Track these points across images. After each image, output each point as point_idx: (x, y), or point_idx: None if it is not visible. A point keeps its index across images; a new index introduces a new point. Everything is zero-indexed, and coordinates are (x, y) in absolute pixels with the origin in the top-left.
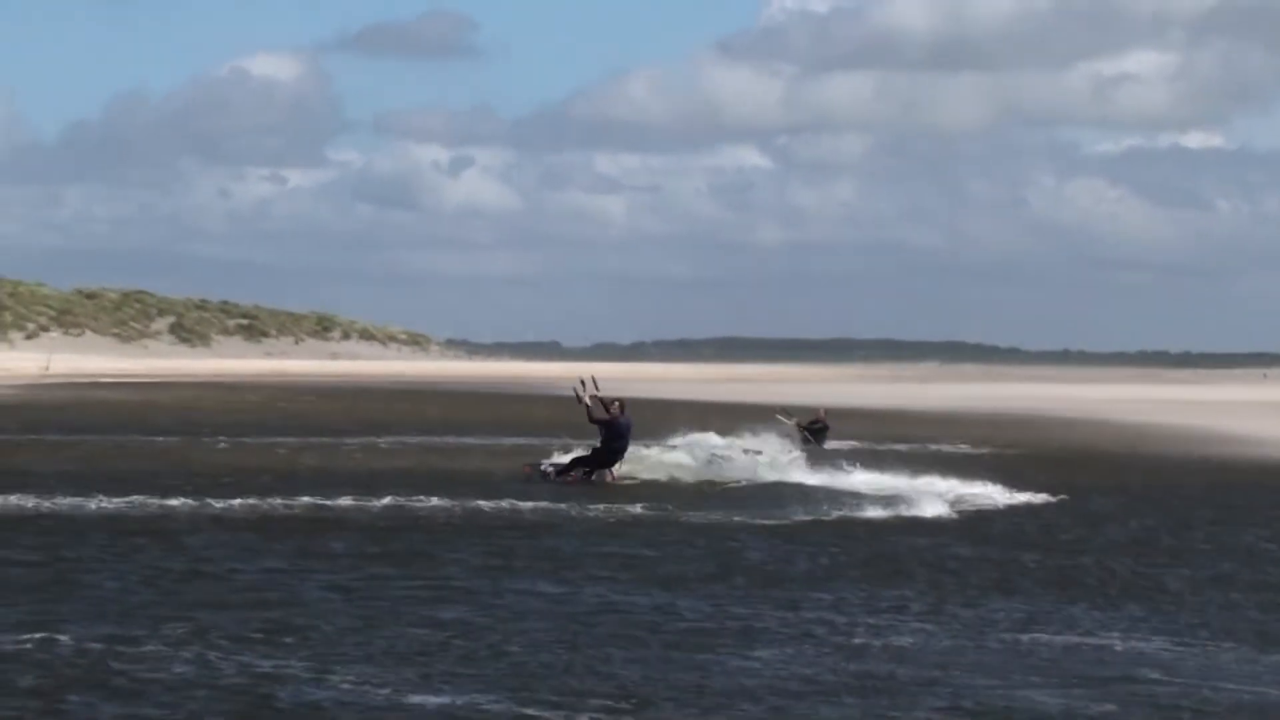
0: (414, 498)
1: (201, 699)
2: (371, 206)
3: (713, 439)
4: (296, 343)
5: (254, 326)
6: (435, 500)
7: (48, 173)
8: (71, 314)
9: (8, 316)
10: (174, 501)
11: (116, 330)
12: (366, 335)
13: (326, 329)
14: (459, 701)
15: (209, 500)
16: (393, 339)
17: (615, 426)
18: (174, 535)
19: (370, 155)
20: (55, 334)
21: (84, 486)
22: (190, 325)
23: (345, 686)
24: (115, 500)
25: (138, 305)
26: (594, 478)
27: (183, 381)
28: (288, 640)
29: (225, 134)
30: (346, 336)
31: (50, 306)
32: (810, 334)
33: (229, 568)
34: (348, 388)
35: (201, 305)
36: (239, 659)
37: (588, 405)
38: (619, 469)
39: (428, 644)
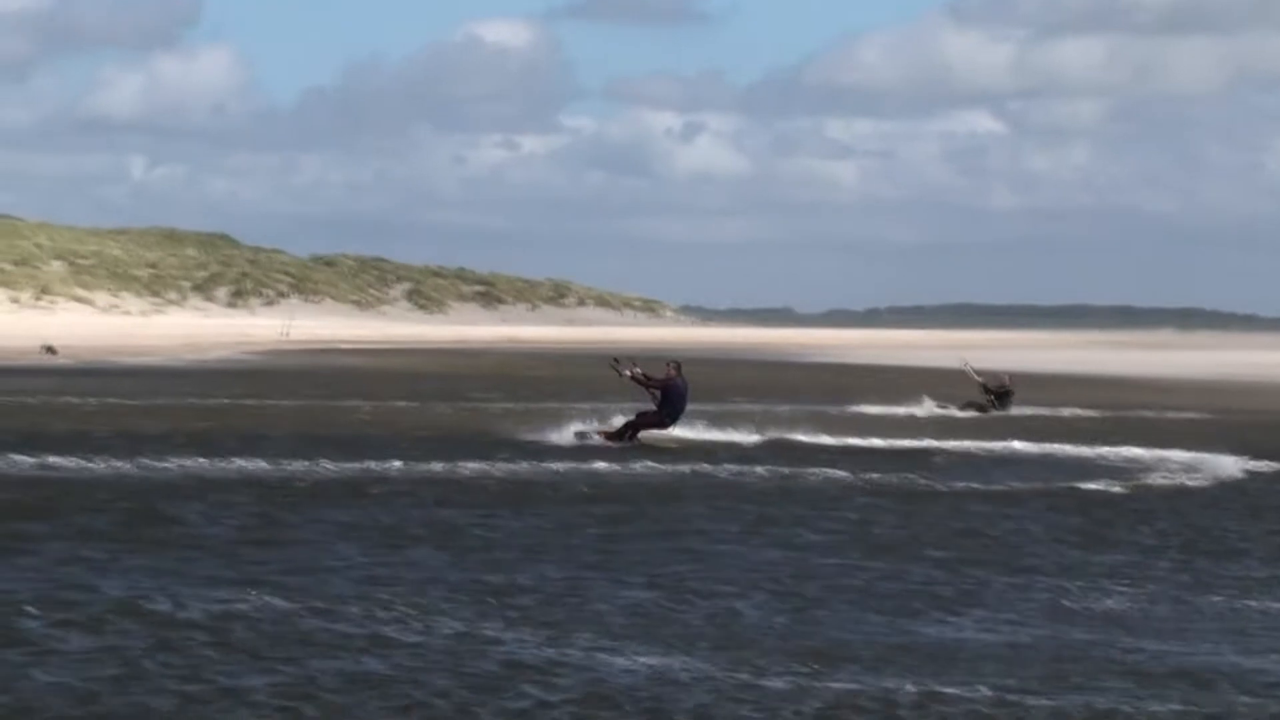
0: (632, 464)
1: (431, 659)
2: (604, 173)
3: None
4: (532, 309)
5: (490, 293)
6: (652, 464)
7: (285, 140)
8: (310, 281)
9: (248, 283)
10: (395, 464)
11: (355, 297)
12: (601, 302)
13: (562, 295)
14: (676, 664)
15: (435, 464)
16: (627, 305)
17: (674, 388)
18: (401, 499)
19: (602, 122)
20: (294, 300)
21: (311, 450)
22: (427, 292)
23: (571, 651)
24: (343, 464)
25: (375, 272)
26: (633, 439)
27: (419, 348)
28: (505, 601)
29: (459, 100)
30: (581, 303)
31: (289, 273)
32: (1044, 300)
33: (451, 527)
34: (581, 354)
35: (438, 272)
36: (461, 619)
37: (639, 379)
38: (673, 431)
39: (646, 606)
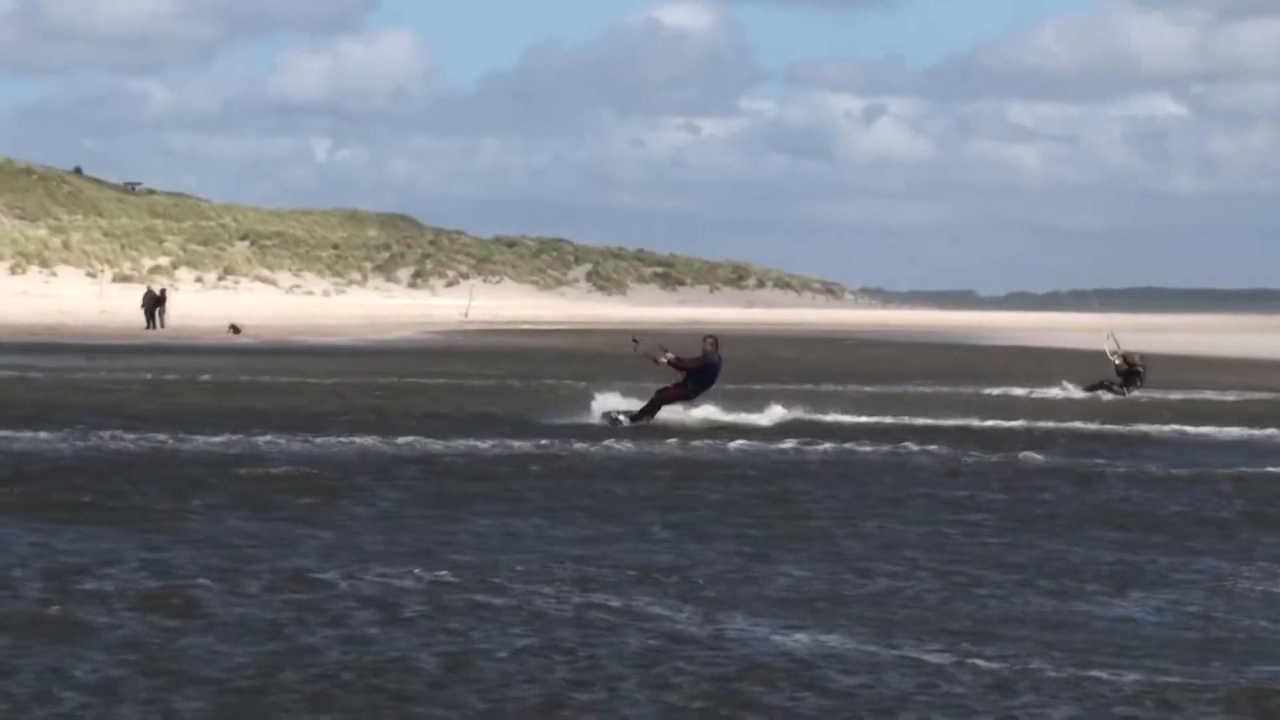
0: (809, 443)
1: (592, 633)
2: (784, 156)
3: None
4: (712, 291)
5: (669, 275)
6: (818, 444)
7: (466, 123)
8: (491, 262)
9: (429, 264)
10: (579, 446)
11: (535, 278)
12: (781, 283)
13: (741, 277)
14: (836, 640)
15: (614, 442)
16: (807, 287)
17: (712, 364)
18: (571, 477)
19: (782, 105)
20: (475, 281)
21: (488, 428)
22: (606, 273)
23: (729, 627)
24: (521, 441)
25: (555, 253)
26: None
27: (599, 329)
28: (669, 578)
29: (639, 84)
30: (761, 285)
31: (470, 254)
32: (1228, 284)
33: (616, 504)
34: (761, 336)
35: (618, 253)
36: (623, 594)
37: (669, 361)
38: (699, 411)
39: (807, 582)
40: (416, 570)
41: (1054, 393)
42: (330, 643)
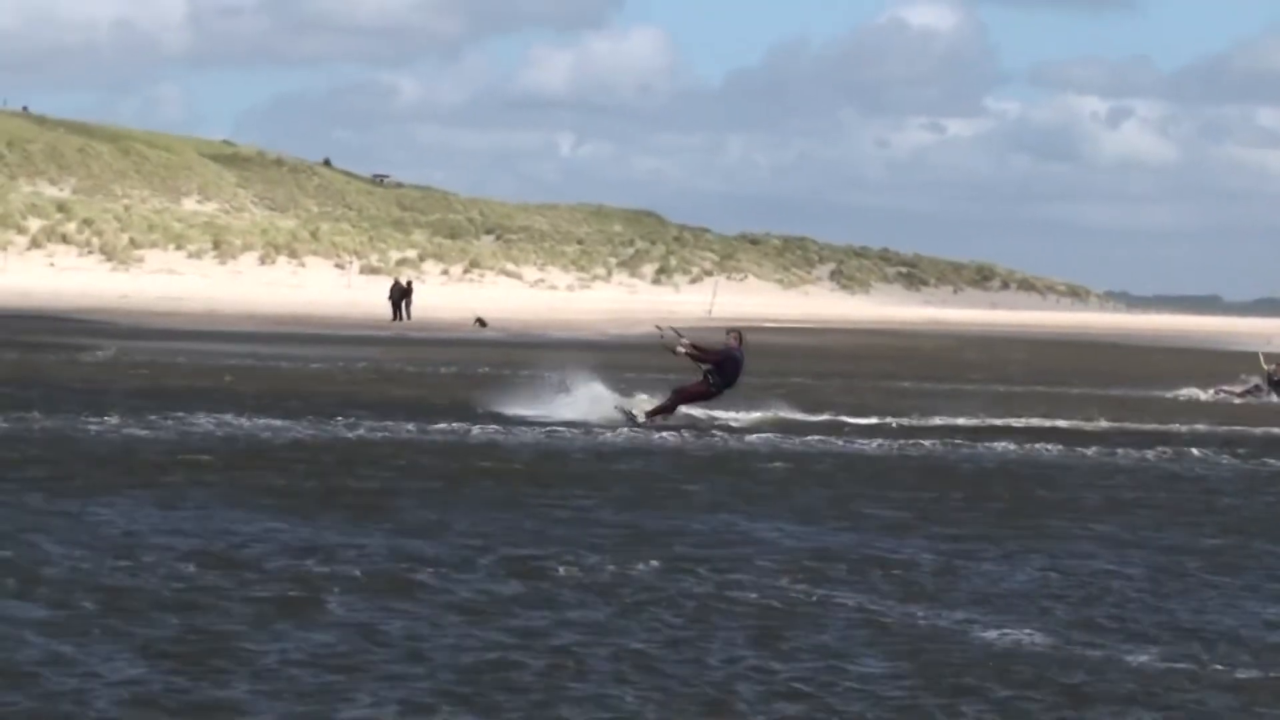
0: (1035, 445)
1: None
2: (1028, 157)
3: None
4: (955, 292)
5: (913, 275)
6: (1014, 445)
7: (711, 120)
8: (734, 259)
9: (673, 261)
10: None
11: (778, 276)
12: (1025, 285)
13: (985, 278)
14: (1054, 639)
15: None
16: (1051, 289)
17: (733, 359)
18: (805, 476)
19: (1027, 106)
20: (719, 278)
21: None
22: (850, 272)
23: (943, 622)
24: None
25: (799, 251)
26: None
27: (842, 328)
28: (893, 573)
29: (883, 83)
30: (1005, 286)
31: (714, 251)
32: None
33: (848, 500)
34: (1006, 338)
35: (861, 253)
36: (856, 589)
37: (691, 352)
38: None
39: (1024, 581)
40: (651, 560)
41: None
42: (556, 627)
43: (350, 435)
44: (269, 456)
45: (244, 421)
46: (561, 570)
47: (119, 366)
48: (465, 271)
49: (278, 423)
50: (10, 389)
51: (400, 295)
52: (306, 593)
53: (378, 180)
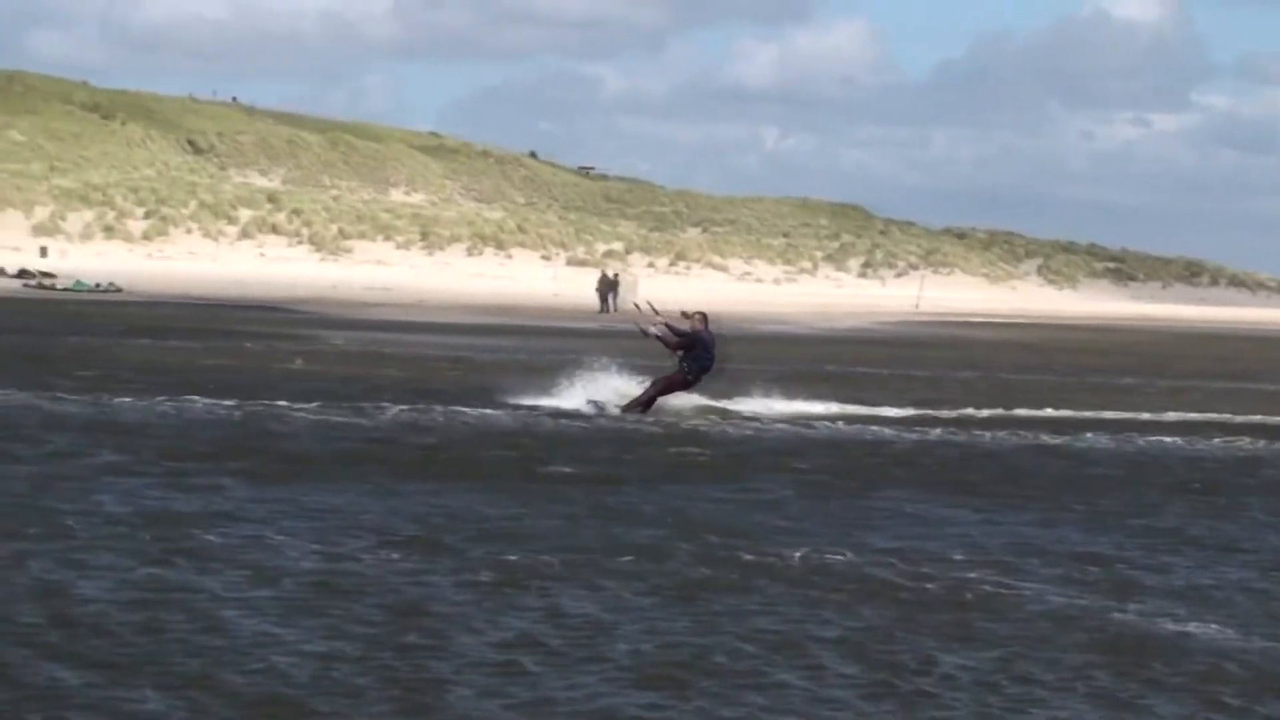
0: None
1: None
2: (1236, 152)
3: None
4: (1164, 287)
5: (1121, 270)
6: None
7: (916, 113)
8: (940, 253)
9: (879, 254)
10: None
11: (985, 270)
12: (1236, 281)
13: (1195, 274)
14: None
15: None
16: (1261, 286)
17: (701, 342)
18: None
19: (1235, 100)
20: (925, 272)
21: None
22: (1057, 267)
23: (1164, 622)
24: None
25: (1005, 246)
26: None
27: (1050, 323)
28: (1101, 571)
29: (1088, 76)
30: (1214, 282)
31: (919, 245)
32: None
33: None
34: (1216, 334)
35: (1068, 247)
36: (1061, 587)
37: (656, 335)
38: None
39: (1239, 582)
40: (847, 553)
41: None
42: (755, 614)
43: (551, 425)
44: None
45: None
46: (756, 558)
47: (364, 357)
48: (671, 264)
49: (487, 411)
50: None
51: (608, 287)
52: (505, 576)
53: (584, 172)
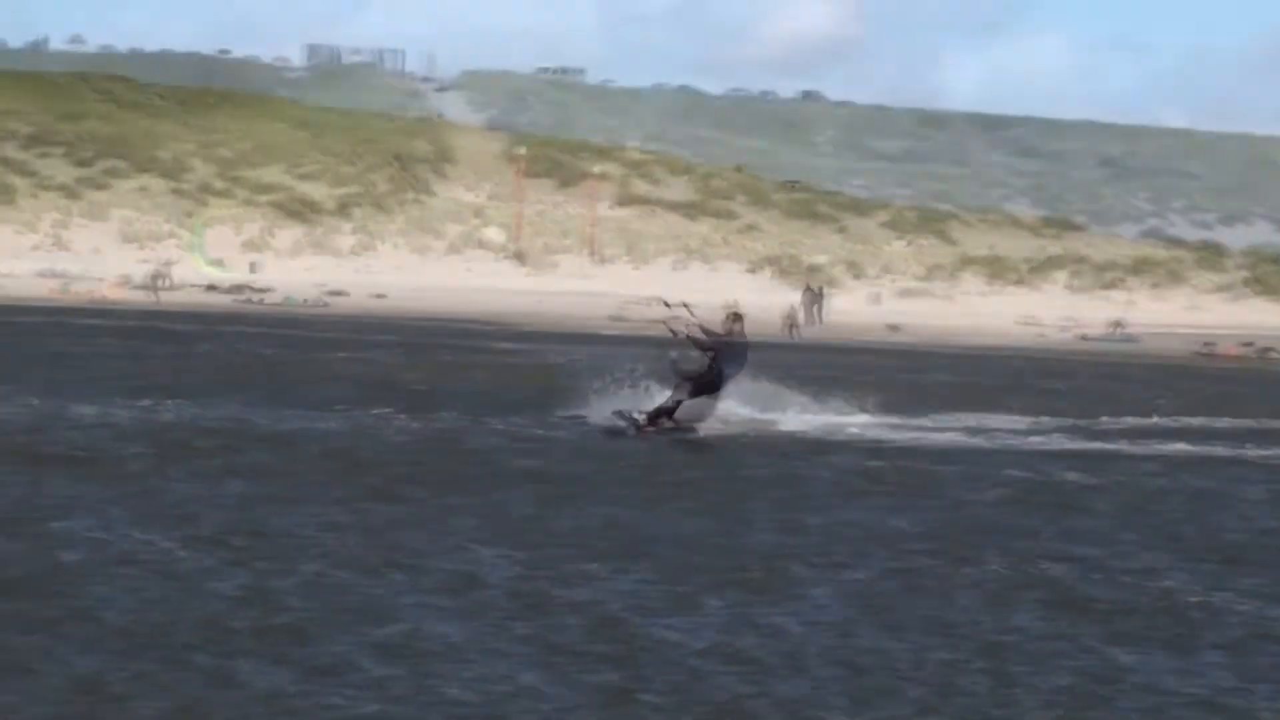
0: None
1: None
2: None
3: None
4: None
5: None
6: None
7: None
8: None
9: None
10: None
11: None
12: None
13: None
14: None
15: None
16: None
17: (732, 347)
18: None
19: None
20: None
21: None
22: None
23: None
24: None
25: None
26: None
27: None
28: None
29: None
30: None
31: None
32: None
33: None
34: None
35: None
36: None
37: (695, 338)
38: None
39: None
40: (1044, 564)
41: None
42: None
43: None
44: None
45: None
46: (936, 565)
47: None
48: (876, 278)
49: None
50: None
51: (812, 301)
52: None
53: (789, 186)
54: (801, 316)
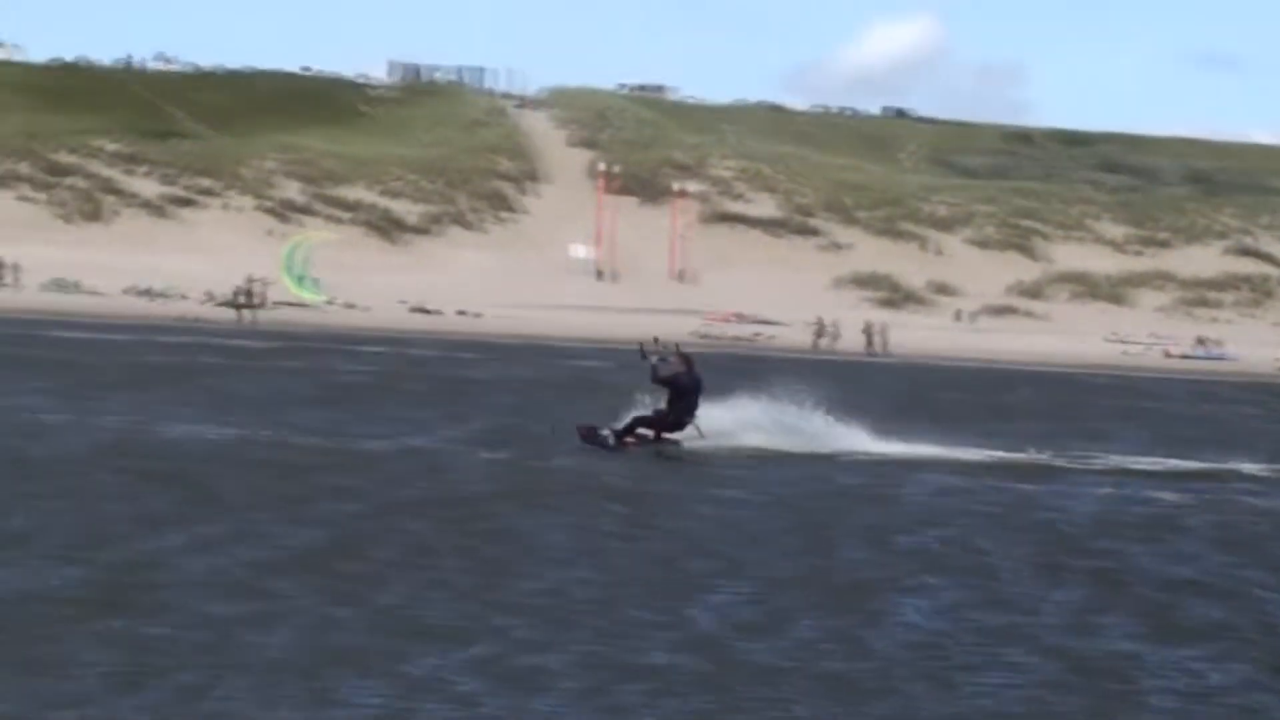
0: None
1: None
2: None
3: None
4: None
5: None
6: None
7: None
8: None
9: None
10: None
11: None
12: None
13: None
14: None
15: None
16: None
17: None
18: None
19: None
20: None
21: None
22: None
23: None
24: None
25: None
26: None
27: None
28: None
29: None
30: None
31: None
32: None
33: None
34: None
35: None
36: None
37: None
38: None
39: None
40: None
41: None
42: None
43: None
44: None
45: None
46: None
47: None
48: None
49: None
50: None
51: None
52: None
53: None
54: (876, 340)
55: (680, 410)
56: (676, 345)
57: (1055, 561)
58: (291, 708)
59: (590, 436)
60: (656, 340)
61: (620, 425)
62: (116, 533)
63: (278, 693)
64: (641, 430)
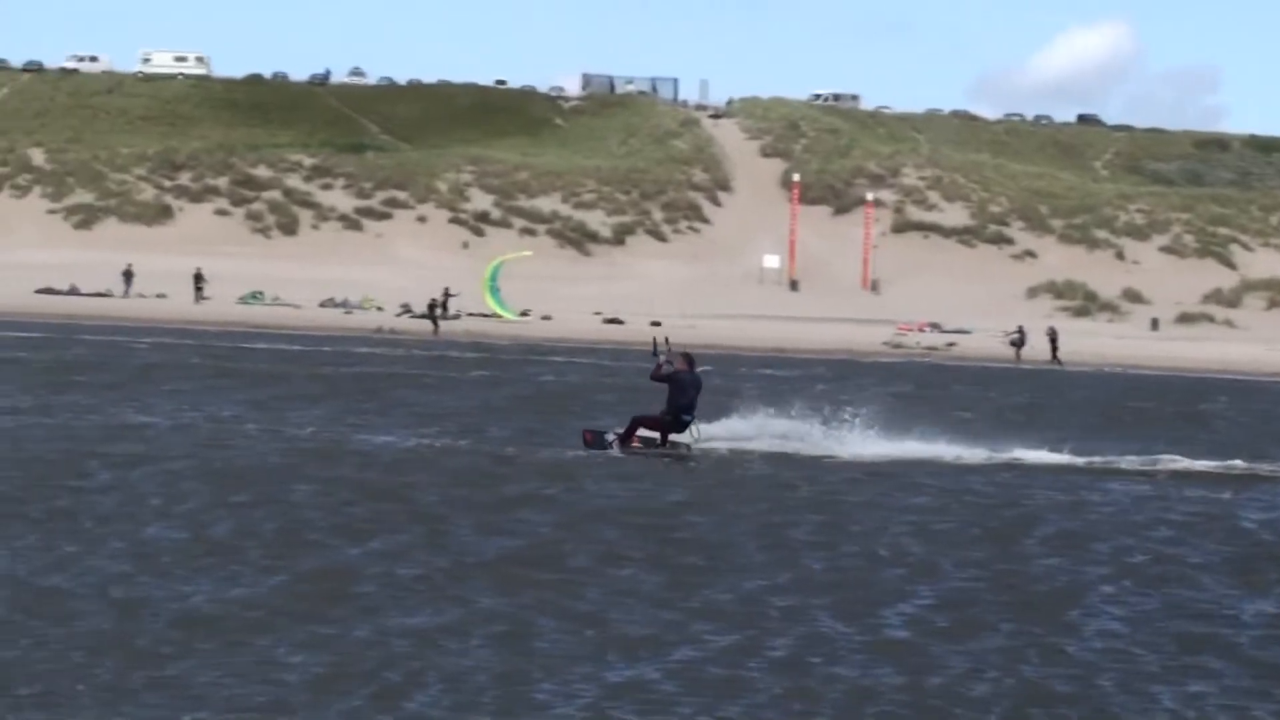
0: None
1: None
2: None
3: None
4: None
5: None
6: None
7: None
8: None
9: None
10: None
11: None
12: None
13: None
14: None
15: None
16: None
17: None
18: None
19: None
20: None
21: None
22: None
23: None
24: None
25: None
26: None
27: None
28: None
29: None
30: None
31: None
32: None
33: None
34: None
35: None
36: None
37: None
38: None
39: None
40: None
41: None
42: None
43: None
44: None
45: None
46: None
47: None
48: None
49: None
50: None
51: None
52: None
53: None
54: (1050, 350)
55: (678, 408)
56: (683, 352)
57: (1256, 570)
58: (487, 714)
59: (594, 442)
60: (668, 340)
61: (623, 429)
62: (317, 541)
63: (475, 700)
64: (644, 433)
